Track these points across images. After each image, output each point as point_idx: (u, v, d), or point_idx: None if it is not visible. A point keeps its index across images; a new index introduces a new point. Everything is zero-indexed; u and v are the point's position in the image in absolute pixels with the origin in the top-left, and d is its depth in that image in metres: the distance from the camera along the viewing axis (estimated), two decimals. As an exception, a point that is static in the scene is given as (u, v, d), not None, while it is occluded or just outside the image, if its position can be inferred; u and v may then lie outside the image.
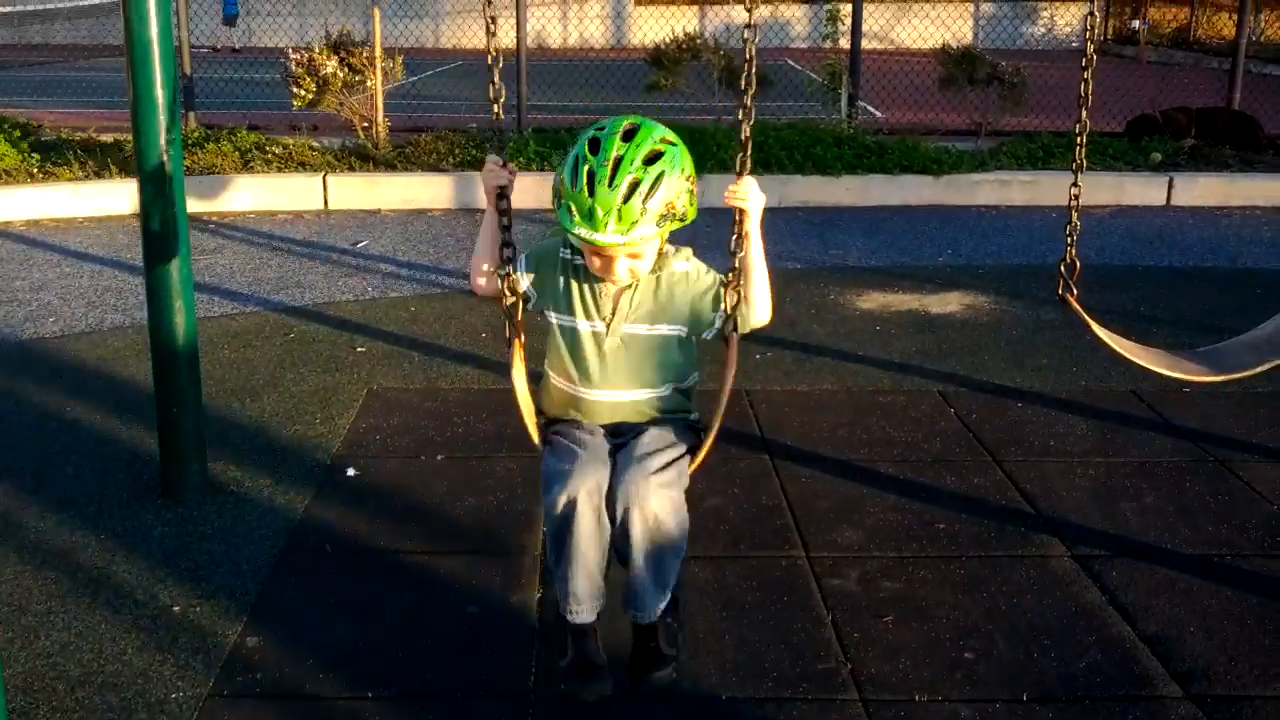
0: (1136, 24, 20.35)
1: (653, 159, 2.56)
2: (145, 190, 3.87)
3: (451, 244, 7.94)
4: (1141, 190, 9.38)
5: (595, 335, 2.75)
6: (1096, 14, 3.16)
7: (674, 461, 2.71)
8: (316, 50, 9.80)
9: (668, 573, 2.71)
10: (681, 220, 2.62)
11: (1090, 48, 3.13)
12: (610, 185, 2.52)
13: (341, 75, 9.69)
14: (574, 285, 2.76)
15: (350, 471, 4.28)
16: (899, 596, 3.49)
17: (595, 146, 2.58)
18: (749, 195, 2.68)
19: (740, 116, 2.75)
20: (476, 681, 3.06)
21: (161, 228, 3.89)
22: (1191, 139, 10.19)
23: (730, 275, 2.73)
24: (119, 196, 8.76)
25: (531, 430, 2.83)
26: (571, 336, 2.78)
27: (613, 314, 2.73)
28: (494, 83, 2.82)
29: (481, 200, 2.83)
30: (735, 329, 2.77)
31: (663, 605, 2.75)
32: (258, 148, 9.64)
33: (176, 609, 3.38)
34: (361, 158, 9.63)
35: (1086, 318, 3.50)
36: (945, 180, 9.34)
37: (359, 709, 2.94)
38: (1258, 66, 16.67)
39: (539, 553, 3.71)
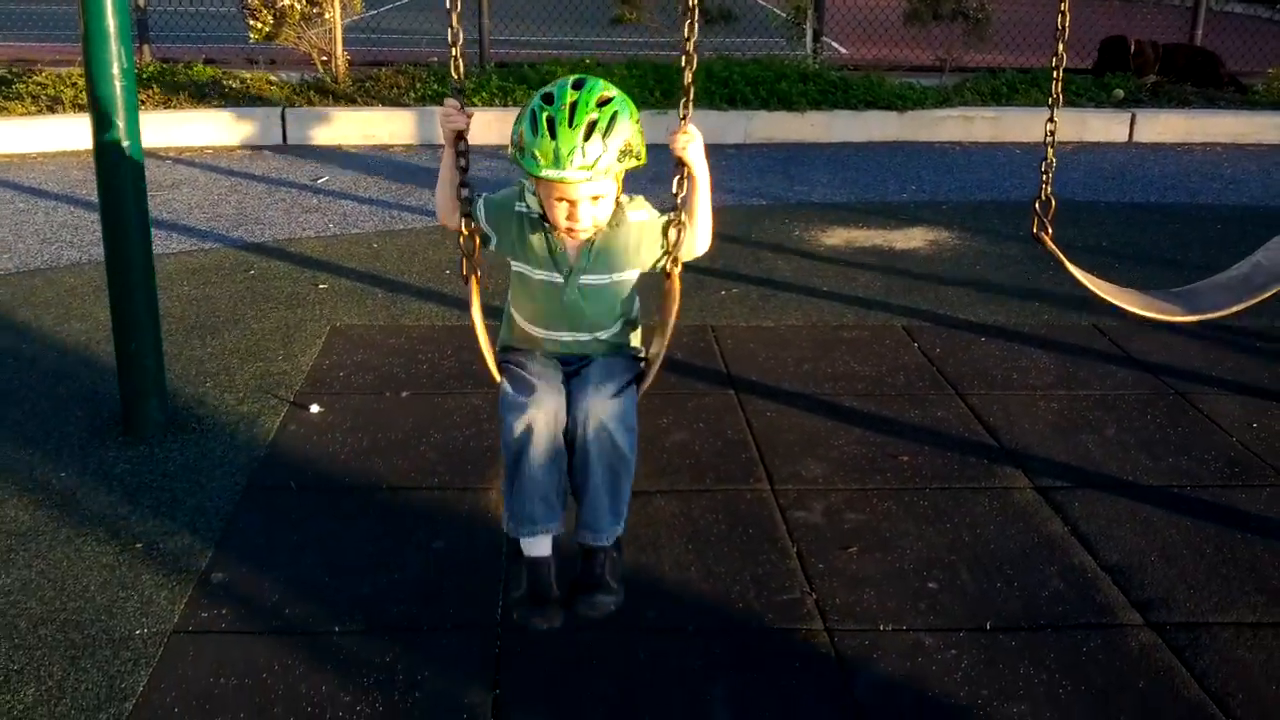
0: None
1: (604, 102, 2.71)
2: (98, 123, 3.79)
3: (413, 180, 7.85)
4: (1104, 127, 9.39)
5: (554, 285, 2.87)
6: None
7: (624, 387, 2.84)
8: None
9: (622, 491, 2.83)
10: (638, 159, 2.75)
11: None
12: (570, 125, 2.65)
13: (299, 7, 9.50)
14: (531, 238, 2.87)
15: (314, 408, 4.25)
16: (863, 528, 3.51)
17: (549, 99, 2.71)
18: (688, 145, 2.80)
19: (683, 63, 2.89)
20: (443, 615, 3.06)
21: (115, 161, 3.81)
22: (1155, 75, 10.20)
23: (673, 215, 2.87)
24: (73, 132, 8.58)
25: (490, 365, 2.93)
26: (530, 284, 2.91)
27: (570, 269, 2.85)
28: (452, 26, 2.88)
29: (440, 137, 2.89)
30: (677, 264, 2.91)
31: (617, 528, 2.87)
32: (215, 82, 9.47)
33: (140, 546, 3.36)
34: (321, 92, 9.47)
35: (1061, 256, 3.50)
36: (909, 116, 9.31)
37: (325, 643, 2.93)
38: (1219, 4, 16.67)
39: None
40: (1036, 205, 3.44)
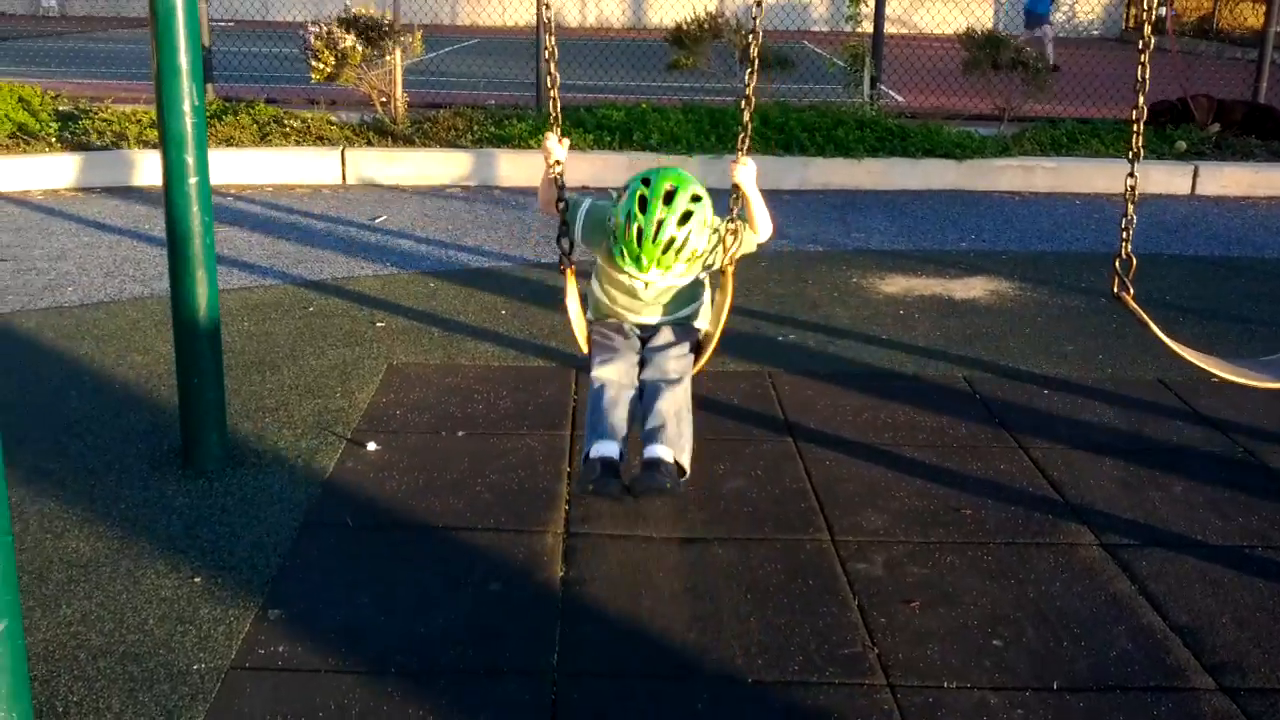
0: (1162, 11, 20.16)
1: (685, 218, 3.51)
2: (168, 159, 3.83)
3: (469, 220, 7.89)
4: (1166, 179, 9.29)
5: (634, 285, 3.70)
6: (1152, -9, 3.08)
7: (686, 351, 3.73)
8: (335, 24, 9.74)
9: (684, 425, 3.56)
10: (700, 259, 3.66)
11: (1147, 29, 3.06)
12: (654, 241, 3.47)
13: (361, 50, 9.63)
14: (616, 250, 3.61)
15: (371, 446, 4.25)
16: (926, 582, 3.44)
17: (644, 205, 3.49)
18: (740, 173, 3.62)
19: (741, 105, 3.66)
20: (499, 659, 3.03)
21: (184, 197, 3.84)
22: (1216, 127, 10.09)
23: (728, 223, 3.67)
24: (137, 167, 8.73)
25: (581, 342, 3.78)
26: (613, 276, 3.72)
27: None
28: (551, 73, 3.75)
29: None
30: (733, 263, 3.72)
31: (681, 450, 3.50)
32: (276, 121, 9.60)
33: (198, 580, 3.36)
34: (380, 133, 9.58)
35: (1145, 317, 3.40)
36: (968, 165, 9.26)
37: (381, 684, 2.91)
38: (1281, 57, 16.50)
39: (561, 531, 3.68)
40: (1116, 264, 3.35)
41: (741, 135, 3.61)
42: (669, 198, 3.48)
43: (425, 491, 3.93)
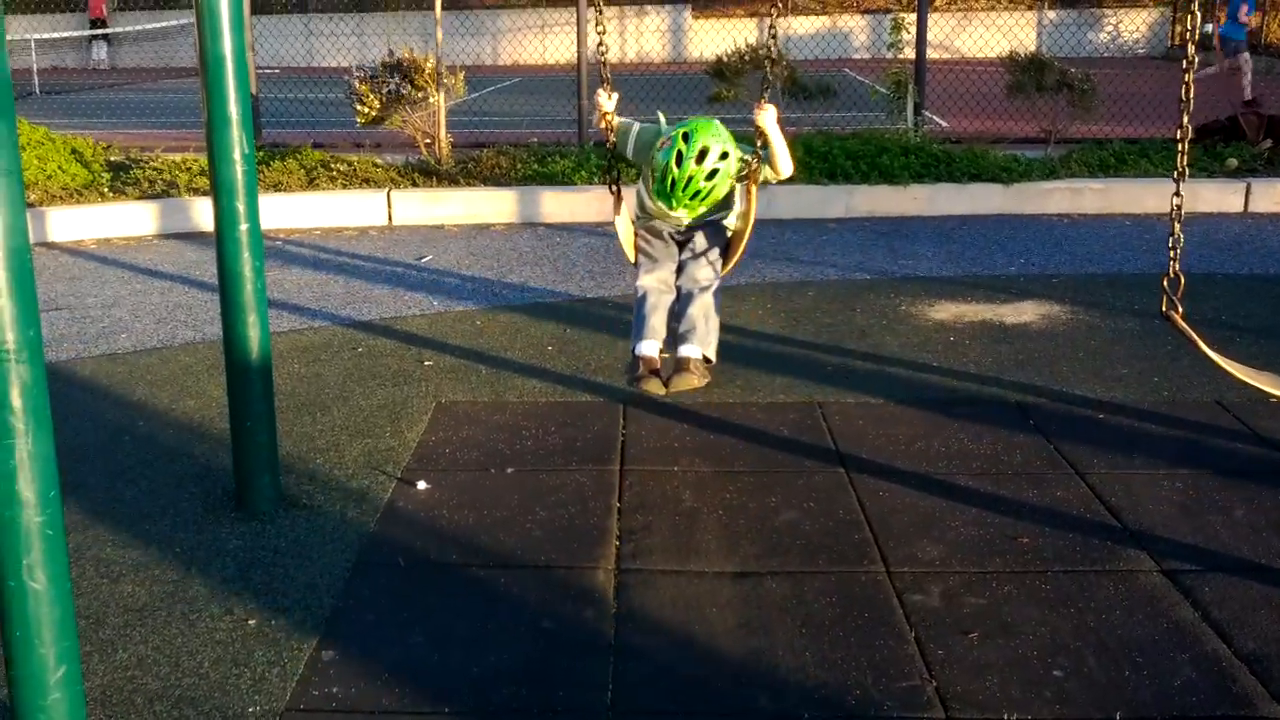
0: (1208, 29, 19.93)
1: (712, 175, 4.20)
2: (219, 205, 3.88)
3: (514, 258, 7.93)
4: (1218, 197, 9.17)
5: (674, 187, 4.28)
6: (1197, 12, 3.05)
7: (716, 258, 4.44)
8: (380, 68, 9.86)
9: (710, 322, 4.28)
10: (721, 199, 4.38)
11: (1190, 49, 3.03)
12: (684, 190, 4.22)
13: (405, 92, 9.74)
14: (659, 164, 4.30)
15: (421, 485, 4.26)
16: (983, 612, 3.39)
17: (679, 160, 4.17)
18: (764, 117, 4.32)
19: (766, 63, 4.61)
20: (553, 698, 3.01)
21: (235, 243, 3.89)
22: (1268, 143, 9.96)
23: (752, 155, 4.38)
24: (187, 214, 8.86)
25: (630, 254, 4.55)
26: (656, 181, 4.30)
27: None
28: (601, 44, 4.66)
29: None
30: (755, 184, 4.44)
31: (707, 345, 4.25)
32: (323, 165, 9.72)
33: (252, 623, 3.37)
34: (424, 174, 9.67)
35: (1194, 336, 3.35)
36: (1015, 189, 9.20)
37: (436, 725, 2.90)
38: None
39: (613, 567, 3.66)
40: (1165, 283, 3.30)
41: (765, 86, 4.43)
42: (701, 156, 4.14)
43: (476, 529, 3.93)
